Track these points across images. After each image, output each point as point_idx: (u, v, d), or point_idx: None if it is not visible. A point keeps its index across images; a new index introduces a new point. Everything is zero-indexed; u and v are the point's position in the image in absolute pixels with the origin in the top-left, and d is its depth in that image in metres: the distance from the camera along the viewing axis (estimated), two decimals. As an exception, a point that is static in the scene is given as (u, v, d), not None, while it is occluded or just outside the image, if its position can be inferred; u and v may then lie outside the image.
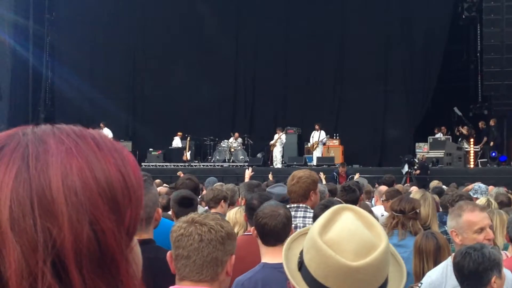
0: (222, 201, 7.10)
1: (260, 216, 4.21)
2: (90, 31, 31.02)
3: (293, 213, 5.82)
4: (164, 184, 13.94)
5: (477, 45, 27.84)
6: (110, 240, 0.95)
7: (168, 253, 2.90)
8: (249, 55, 30.72)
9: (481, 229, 4.35)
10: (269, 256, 4.12)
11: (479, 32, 27.32)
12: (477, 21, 27.36)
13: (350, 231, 1.97)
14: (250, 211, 5.10)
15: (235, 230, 5.75)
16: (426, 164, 24.39)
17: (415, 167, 24.22)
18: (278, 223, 4.13)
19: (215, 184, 9.95)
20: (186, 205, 5.70)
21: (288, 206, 6.09)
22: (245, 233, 5.24)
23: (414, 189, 11.12)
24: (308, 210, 5.67)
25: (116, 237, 0.96)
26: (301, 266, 2.07)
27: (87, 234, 0.92)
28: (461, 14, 27.97)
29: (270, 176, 16.60)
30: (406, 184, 18.75)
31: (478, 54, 27.59)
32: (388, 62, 29.00)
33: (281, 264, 2.16)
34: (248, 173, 11.37)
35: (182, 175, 17.58)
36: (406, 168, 24.01)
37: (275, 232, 4.13)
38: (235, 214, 5.97)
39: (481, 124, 26.25)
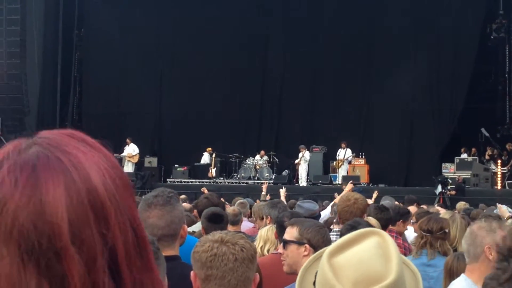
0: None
1: None
2: (118, 47, 31.23)
3: (333, 237, 5.81)
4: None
5: (505, 66, 27.72)
6: (142, 232, 0.98)
7: (192, 273, 2.89)
8: (276, 74, 30.72)
9: None
10: None
11: (507, 53, 27.19)
12: (506, 42, 27.25)
13: (360, 259, 1.87)
14: (281, 228, 5.11)
15: (266, 248, 5.78)
16: (463, 185, 24.13)
17: (449, 187, 23.95)
18: None
19: (237, 203, 10.05)
20: (216, 221, 5.72)
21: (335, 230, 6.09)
22: (274, 251, 5.23)
23: (440, 210, 10.97)
24: None
25: (143, 227, 1.00)
26: (315, 281, 2.03)
27: (130, 233, 0.94)
28: (489, 35, 27.83)
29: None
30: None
31: (506, 75, 27.46)
32: (415, 82, 28.82)
33: None
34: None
35: (206, 191, 17.63)
36: (439, 189, 23.70)
37: None
38: (266, 232, 5.98)
39: (508, 146, 26.03)
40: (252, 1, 30.24)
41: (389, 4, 28.88)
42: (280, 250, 4.27)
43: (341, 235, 4.78)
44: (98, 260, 0.90)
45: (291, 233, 4.30)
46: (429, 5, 28.32)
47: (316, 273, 2.00)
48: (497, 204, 10.04)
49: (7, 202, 0.88)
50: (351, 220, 5.07)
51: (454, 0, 27.84)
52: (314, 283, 2.01)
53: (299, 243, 4.21)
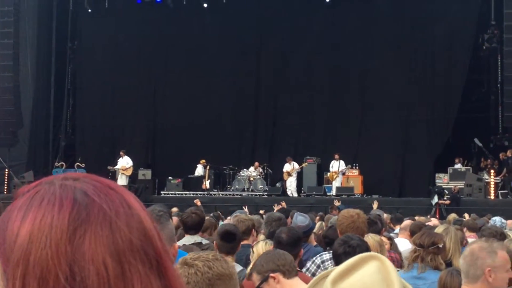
0: (253, 230, 7.10)
1: None
2: (112, 59, 31.23)
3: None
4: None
5: (497, 76, 27.78)
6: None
7: None
8: (270, 85, 30.73)
9: (509, 268, 4.25)
10: None
11: (499, 63, 27.27)
12: (498, 52, 27.33)
13: (364, 285, 1.87)
14: (278, 244, 5.08)
15: None
16: (458, 196, 24.12)
17: (445, 198, 23.95)
18: None
19: (237, 214, 9.98)
20: (228, 240, 5.63)
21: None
22: None
23: (434, 222, 10.96)
24: None
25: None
26: None
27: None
28: (482, 45, 27.95)
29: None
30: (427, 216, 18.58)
31: (498, 85, 27.51)
32: (408, 93, 28.87)
33: None
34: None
35: (199, 203, 17.61)
36: (435, 199, 23.70)
37: None
38: (262, 248, 5.94)
39: (501, 155, 26.06)
40: (245, 16, 30.24)
41: (382, 14, 28.96)
42: None
43: (333, 251, 4.76)
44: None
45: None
46: (422, 15, 28.41)
47: None
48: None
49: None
50: (343, 235, 5.04)
51: (446, 10, 27.90)
52: None
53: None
